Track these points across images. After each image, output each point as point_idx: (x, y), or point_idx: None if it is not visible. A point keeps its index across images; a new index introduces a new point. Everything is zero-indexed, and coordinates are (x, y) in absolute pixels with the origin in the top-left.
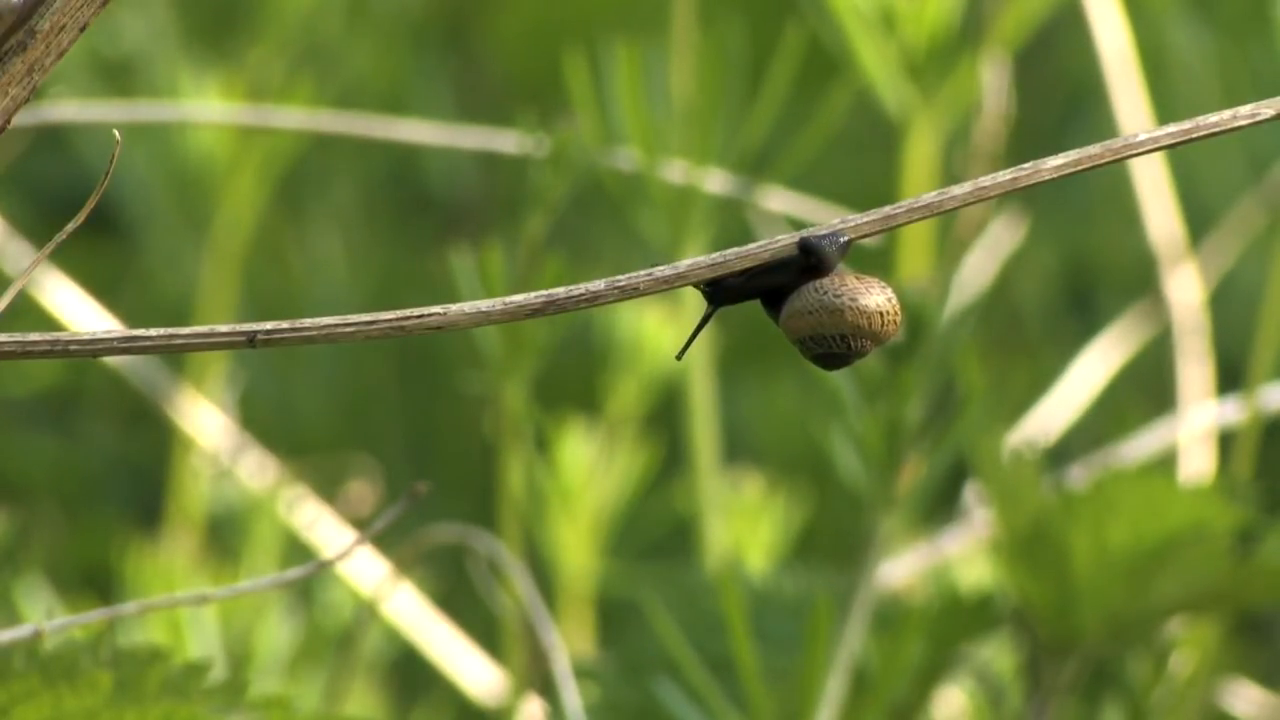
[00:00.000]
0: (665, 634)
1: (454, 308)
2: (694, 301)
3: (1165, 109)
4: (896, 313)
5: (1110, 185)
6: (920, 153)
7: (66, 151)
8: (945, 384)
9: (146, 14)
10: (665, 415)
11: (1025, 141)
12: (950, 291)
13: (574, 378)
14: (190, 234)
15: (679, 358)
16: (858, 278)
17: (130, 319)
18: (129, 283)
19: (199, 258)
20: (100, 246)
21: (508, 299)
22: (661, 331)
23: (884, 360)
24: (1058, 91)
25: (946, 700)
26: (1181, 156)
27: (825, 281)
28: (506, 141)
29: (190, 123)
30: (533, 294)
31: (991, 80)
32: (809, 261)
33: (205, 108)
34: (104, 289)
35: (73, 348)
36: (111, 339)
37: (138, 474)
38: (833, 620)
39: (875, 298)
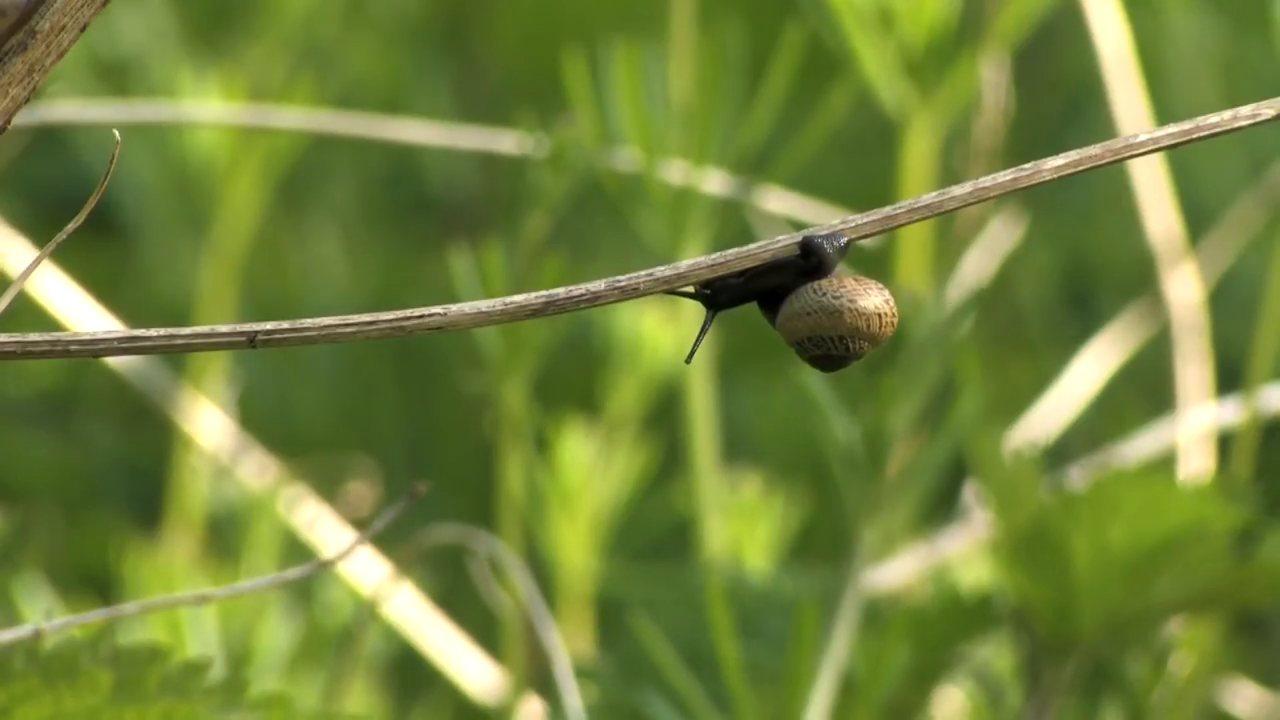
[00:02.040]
0: (650, 640)
1: (454, 308)
2: (694, 302)
3: (1165, 109)
4: (894, 314)
5: (1110, 185)
6: (919, 151)
7: (66, 151)
8: (944, 384)
9: (146, 14)
10: (665, 415)
11: (1025, 141)
12: (946, 292)
13: (574, 378)
14: (190, 234)
15: (688, 361)
16: (856, 279)
17: (130, 319)
18: (129, 283)
19: (199, 258)
20: (100, 246)
21: (508, 299)
22: (661, 332)
23: (867, 363)
24: (1058, 91)
25: (946, 700)
26: (1181, 156)
27: (824, 283)
28: (506, 141)
29: (190, 123)
30: (533, 294)
31: (991, 79)
32: (809, 263)
33: (205, 108)
34: (104, 289)
35: (73, 348)
36: (111, 339)
37: (138, 474)
38: (821, 622)
39: (873, 299)
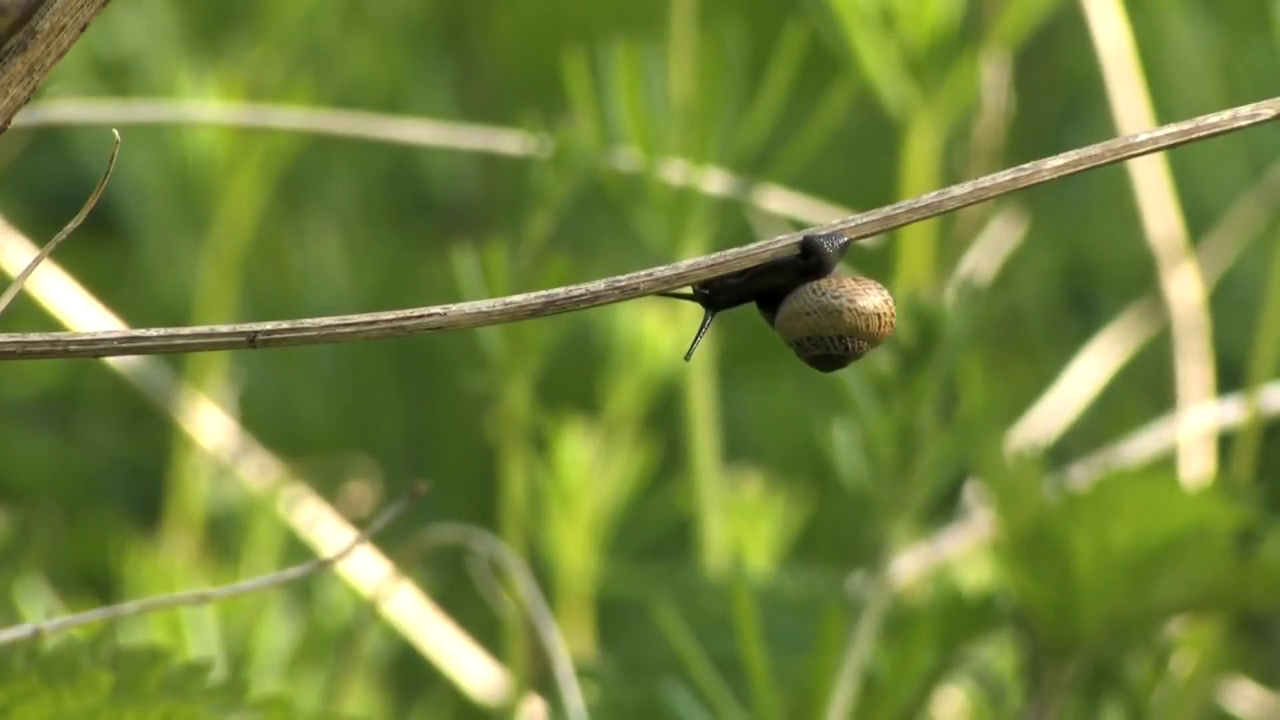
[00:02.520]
0: (671, 633)
1: (454, 308)
2: (693, 302)
3: (1165, 109)
4: (893, 314)
5: (1110, 185)
6: (920, 151)
7: (66, 151)
8: (950, 386)
9: (146, 14)
10: (665, 415)
11: (1025, 141)
12: (966, 296)
13: (574, 378)
14: (189, 234)
15: (687, 358)
16: (855, 279)
17: (130, 319)
18: (129, 283)
19: (198, 258)
20: (100, 246)
21: (508, 299)
22: (661, 332)
23: (897, 364)
24: (1058, 91)
25: (947, 700)
26: (1181, 156)
27: (823, 283)
28: (506, 141)
29: (189, 123)
30: (533, 294)
31: (992, 79)
32: (808, 262)
33: (204, 108)
34: (104, 289)
35: (73, 348)
36: (111, 339)
37: (138, 474)
38: (842, 625)
39: (872, 299)
